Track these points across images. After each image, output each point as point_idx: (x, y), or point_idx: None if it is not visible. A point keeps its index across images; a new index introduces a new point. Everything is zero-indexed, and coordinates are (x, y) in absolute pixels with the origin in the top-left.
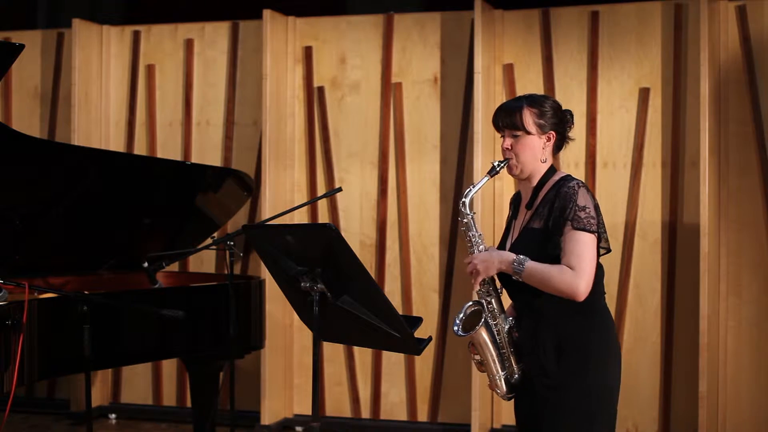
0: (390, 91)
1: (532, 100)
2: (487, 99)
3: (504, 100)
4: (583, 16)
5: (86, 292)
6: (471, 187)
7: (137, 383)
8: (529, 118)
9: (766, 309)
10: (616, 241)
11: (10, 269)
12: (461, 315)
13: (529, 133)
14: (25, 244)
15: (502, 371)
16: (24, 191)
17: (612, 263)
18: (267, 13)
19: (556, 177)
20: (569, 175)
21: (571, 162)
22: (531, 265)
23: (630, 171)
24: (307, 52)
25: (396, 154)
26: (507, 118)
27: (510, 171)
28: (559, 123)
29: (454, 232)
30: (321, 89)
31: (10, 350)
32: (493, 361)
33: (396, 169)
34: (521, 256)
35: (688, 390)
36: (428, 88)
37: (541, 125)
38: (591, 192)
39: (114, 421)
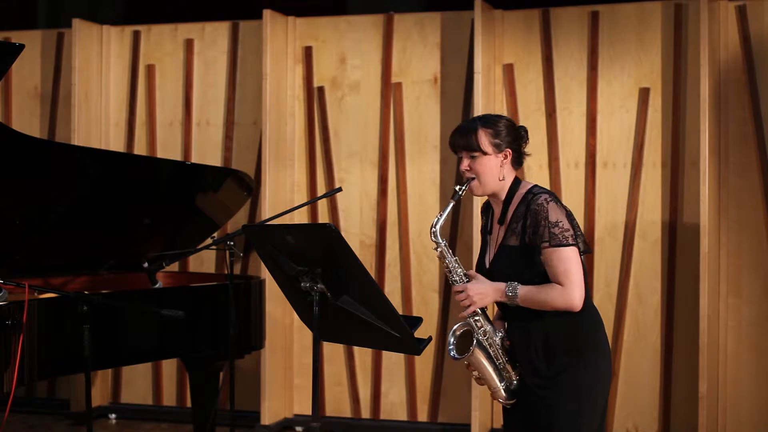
0: (390, 91)
1: (485, 121)
2: (487, 99)
3: (504, 100)
4: (583, 16)
5: (86, 292)
6: (438, 215)
7: (137, 383)
8: (484, 139)
9: (766, 309)
10: (616, 241)
11: (10, 269)
12: (452, 339)
13: (485, 153)
14: (25, 244)
15: (501, 382)
16: (24, 191)
17: (612, 263)
18: (267, 13)
19: (523, 190)
20: (535, 186)
21: (571, 162)
22: (523, 291)
23: (630, 171)
24: (307, 52)
25: (396, 154)
26: (462, 140)
27: (473, 192)
28: (513, 141)
29: (455, 232)
30: (321, 89)
31: (10, 350)
32: (491, 376)
33: (396, 169)
34: (513, 284)
35: (688, 390)
36: (428, 88)
37: (496, 144)
38: (560, 201)
39: (114, 421)
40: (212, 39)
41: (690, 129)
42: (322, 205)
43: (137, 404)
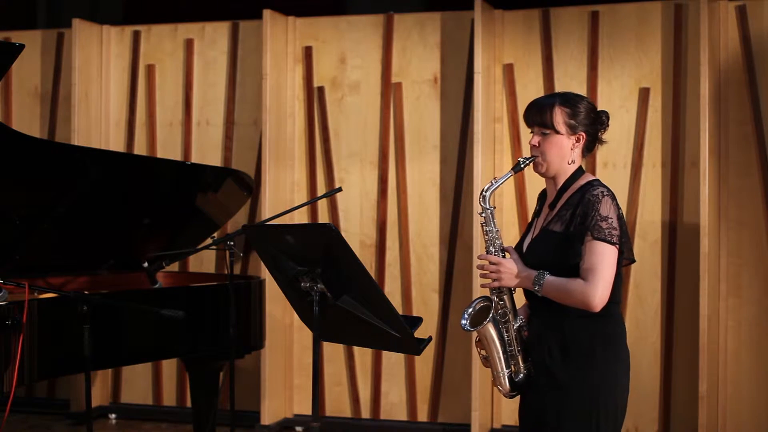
0: (390, 91)
1: (565, 99)
2: (487, 99)
3: (504, 100)
4: (583, 16)
5: (86, 292)
6: (492, 181)
7: (137, 383)
8: (559, 117)
9: (766, 309)
10: None
11: (10, 269)
12: (470, 310)
13: (558, 132)
14: (25, 244)
15: (506, 369)
16: (24, 191)
17: None
18: (267, 13)
19: (583, 180)
20: (597, 180)
21: None
22: (549, 280)
23: (630, 171)
24: (307, 52)
25: (396, 154)
26: (537, 115)
27: (536, 168)
28: (591, 124)
29: (454, 232)
30: (321, 89)
31: (10, 350)
32: (499, 358)
33: (396, 169)
34: (543, 272)
35: (688, 390)
36: (428, 88)
37: (571, 125)
38: (616, 201)
39: (114, 421)
40: (212, 39)
41: (690, 129)
42: (322, 205)
43: (137, 404)
